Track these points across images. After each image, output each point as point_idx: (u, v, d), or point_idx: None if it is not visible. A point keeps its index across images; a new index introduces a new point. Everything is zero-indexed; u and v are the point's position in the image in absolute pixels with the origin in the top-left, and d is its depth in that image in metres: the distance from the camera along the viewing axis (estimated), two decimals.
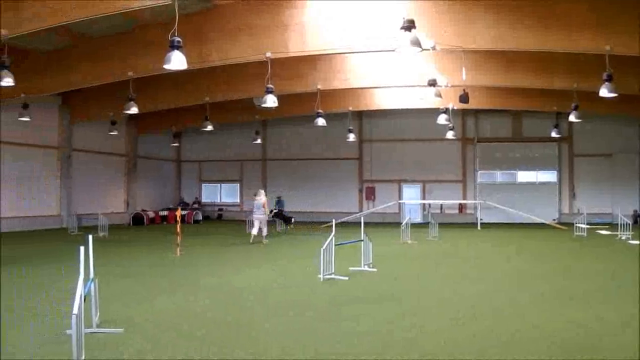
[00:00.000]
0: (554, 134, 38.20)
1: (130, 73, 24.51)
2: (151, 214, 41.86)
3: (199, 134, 46.30)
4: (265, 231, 26.76)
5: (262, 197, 27.01)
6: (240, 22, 21.40)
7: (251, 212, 27.89)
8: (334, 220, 17.10)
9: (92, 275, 8.95)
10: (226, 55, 22.18)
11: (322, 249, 14.73)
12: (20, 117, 29.46)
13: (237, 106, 36.39)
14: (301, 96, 31.79)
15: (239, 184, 50.26)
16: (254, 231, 26.39)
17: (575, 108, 28.33)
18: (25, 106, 29.22)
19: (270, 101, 22.90)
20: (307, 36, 20.80)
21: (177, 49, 16.34)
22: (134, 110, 27.29)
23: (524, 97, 32.76)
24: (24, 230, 32.89)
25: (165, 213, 43.26)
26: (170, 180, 50.67)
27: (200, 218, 44.95)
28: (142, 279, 15.17)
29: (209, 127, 35.07)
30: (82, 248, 7.95)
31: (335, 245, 15.46)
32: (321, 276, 14.65)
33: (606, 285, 13.94)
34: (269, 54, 21.23)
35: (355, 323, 9.95)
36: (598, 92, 21.64)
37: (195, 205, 47.96)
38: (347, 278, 14.91)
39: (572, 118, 29.11)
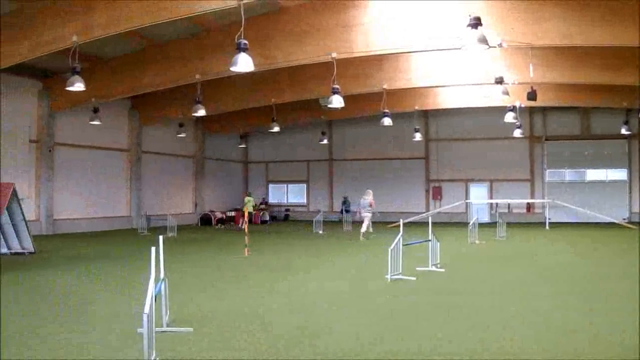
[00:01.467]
0: (623, 131, 37.49)
1: (197, 76, 24.84)
2: (219, 215, 42.27)
3: (265, 135, 46.71)
4: (364, 228, 27.90)
5: (369, 197, 28.67)
6: (304, 23, 21.52)
7: (318, 212, 28.33)
8: (401, 220, 17.03)
9: (162, 275, 9.10)
10: (291, 56, 22.31)
11: (389, 249, 14.71)
12: (91, 120, 30.04)
13: (302, 107, 36.58)
14: (366, 96, 31.78)
15: (305, 185, 50.47)
16: (363, 229, 28.08)
17: None
18: (96, 110, 29.79)
19: (337, 101, 22.97)
20: (371, 36, 20.79)
21: (244, 51, 16.53)
22: (201, 112, 27.66)
23: (593, 94, 32.13)
24: (94, 230, 33.51)
25: (232, 214, 43.66)
26: (238, 181, 51.12)
27: (268, 218, 45.23)
28: (211, 279, 15.32)
29: (276, 128, 35.33)
30: (153, 249, 8.08)
31: (403, 245, 15.41)
32: (389, 276, 14.63)
33: None
34: (334, 55, 21.28)
35: (424, 322, 9.93)
36: None
37: (262, 206, 48.23)
38: (414, 278, 14.85)
39: None
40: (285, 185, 51.36)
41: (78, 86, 20.93)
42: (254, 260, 19.48)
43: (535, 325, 9.65)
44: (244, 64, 16.67)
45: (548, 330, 9.34)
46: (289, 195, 51.15)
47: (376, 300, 12.13)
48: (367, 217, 28.18)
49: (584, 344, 8.49)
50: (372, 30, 20.72)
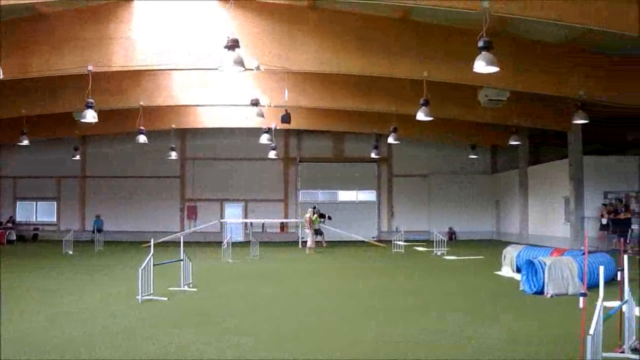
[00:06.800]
0: (373, 155, 39.33)
1: None
2: None
3: (14, 149, 44.30)
4: (309, 243, 32.79)
5: (306, 214, 33.72)
6: (64, 32, 20.68)
7: (69, 231, 27.73)
8: (152, 240, 16.84)
9: None
10: (48, 66, 21.30)
11: (139, 269, 14.45)
12: None
13: (57, 120, 35.06)
14: (124, 112, 31.14)
15: (56, 202, 48.41)
16: (308, 244, 32.71)
17: (394, 130, 29.28)
18: None
19: (90, 116, 22.26)
20: (131, 51, 20.40)
21: None
22: None
23: (346, 119, 33.61)
24: None
25: None
26: None
27: (14, 238, 42.68)
28: None
29: (25, 142, 33.61)
30: None
31: (154, 265, 15.20)
32: (140, 297, 14.35)
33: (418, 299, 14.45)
34: (90, 67, 20.65)
35: (175, 343, 9.83)
36: (415, 116, 22.52)
37: (9, 225, 45.64)
38: (166, 299, 14.71)
39: (390, 140, 30.13)
40: (35, 202, 49.00)
41: None
42: None
43: (285, 342, 9.83)
44: None
45: (301, 344, 9.56)
46: (38, 213, 48.88)
47: (123, 322, 11.88)
48: (307, 233, 32.69)
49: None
50: (132, 45, 20.32)
